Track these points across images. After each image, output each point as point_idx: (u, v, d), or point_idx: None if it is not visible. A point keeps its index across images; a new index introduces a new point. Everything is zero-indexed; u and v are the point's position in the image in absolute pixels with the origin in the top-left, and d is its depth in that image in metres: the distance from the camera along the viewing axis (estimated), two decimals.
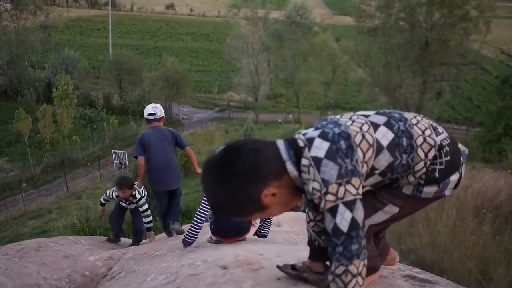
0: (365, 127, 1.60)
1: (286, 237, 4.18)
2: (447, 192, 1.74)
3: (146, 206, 5.42)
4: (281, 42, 40.95)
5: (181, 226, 5.16)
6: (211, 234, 3.72)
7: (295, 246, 3.10)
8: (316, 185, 1.49)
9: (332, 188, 1.46)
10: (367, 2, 38.68)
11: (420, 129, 1.68)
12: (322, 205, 1.50)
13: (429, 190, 1.70)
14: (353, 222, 1.46)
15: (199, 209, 3.49)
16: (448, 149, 1.72)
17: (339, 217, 1.47)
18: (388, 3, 35.74)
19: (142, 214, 5.47)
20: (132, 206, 5.66)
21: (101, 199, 5.92)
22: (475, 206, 8.04)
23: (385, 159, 1.59)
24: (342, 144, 1.50)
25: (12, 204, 23.87)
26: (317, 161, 1.48)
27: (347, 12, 53.64)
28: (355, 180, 1.47)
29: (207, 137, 32.45)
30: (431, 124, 1.76)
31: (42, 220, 21.24)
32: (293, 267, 1.96)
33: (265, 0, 46.91)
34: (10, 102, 39.30)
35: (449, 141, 1.75)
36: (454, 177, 1.72)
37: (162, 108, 5.20)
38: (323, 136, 1.54)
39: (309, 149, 1.52)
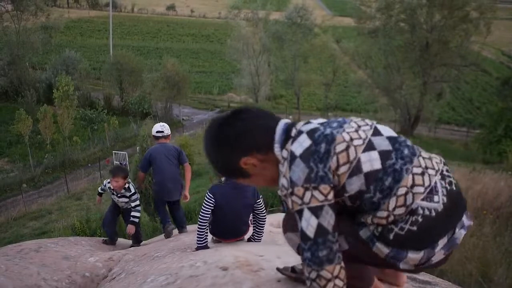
0: (357, 142, 1.44)
1: None
2: (402, 265, 1.47)
3: (138, 202, 5.43)
4: (282, 43, 40.95)
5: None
6: (211, 236, 3.87)
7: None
8: (284, 182, 1.45)
9: (298, 190, 1.40)
10: (367, 4, 38.71)
11: (413, 181, 1.41)
12: (289, 205, 1.45)
13: (381, 248, 1.47)
14: (320, 228, 1.39)
15: (201, 213, 3.61)
16: (421, 220, 1.41)
17: (305, 222, 1.40)
18: (389, 4, 35.77)
19: (133, 209, 5.41)
20: (125, 200, 5.44)
21: (99, 189, 5.88)
22: (476, 208, 8.04)
23: (357, 185, 1.41)
24: (322, 147, 1.42)
25: (12, 205, 23.86)
26: (292, 158, 1.43)
27: (348, 14, 53.58)
28: (324, 187, 1.39)
29: None
30: (436, 186, 1.44)
31: (43, 221, 21.23)
32: (292, 269, 1.96)
33: (266, 1, 46.93)
34: (10, 103, 39.31)
35: (433, 214, 1.41)
36: (413, 255, 1.44)
37: (169, 127, 5.71)
38: (311, 133, 1.48)
39: (293, 142, 1.47)
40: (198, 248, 3.54)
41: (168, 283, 2.31)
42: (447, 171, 1.51)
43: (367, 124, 1.52)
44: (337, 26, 64.12)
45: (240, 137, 1.52)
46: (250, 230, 3.94)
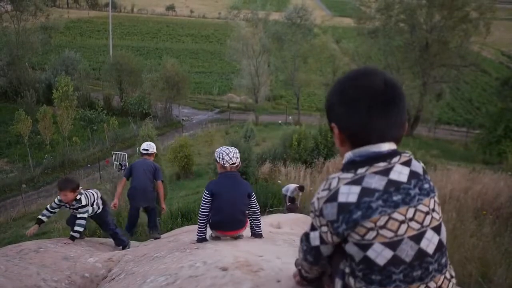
0: (345, 175, 1.45)
1: (286, 238, 4.18)
2: None
3: (84, 215, 5.00)
4: (281, 44, 40.93)
5: (159, 235, 6.32)
6: (211, 231, 4.02)
7: (295, 248, 3.10)
8: (316, 203, 1.50)
9: (322, 221, 1.50)
10: (367, 4, 38.73)
11: (386, 223, 1.38)
12: (312, 220, 1.59)
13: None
14: (317, 250, 1.61)
15: (200, 209, 3.83)
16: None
17: (313, 235, 1.60)
18: (388, 5, 35.79)
19: (77, 221, 4.96)
20: (76, 211, 5.08)
21: (44, 212, 5.11)
22: (475, 208, 8.04)
23: (332, 212, 1.43)
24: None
25: (12, 205, 23.86)
26: (335, 194, 1.43)
27: (347, 14, 53.68)
28: (334, 237, 1.49)
29: (207, 139, 32.45)
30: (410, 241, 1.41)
31: None
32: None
33: (265, 2, 46.91)
34: (10, 103, 39.31)
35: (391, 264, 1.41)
36: None
37: (155, 146, 6.70)
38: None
39: (345, 181, 1.44)
40: (198, 240, 3.81)
41: (168, 283, 2.31)
42: (436, 229, 1.47)
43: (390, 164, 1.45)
44: (337, 26, 64.13)
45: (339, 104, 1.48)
46: (248, 230, 4.12)
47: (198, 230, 3.86)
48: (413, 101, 35.93)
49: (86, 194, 5.12)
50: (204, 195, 3.82)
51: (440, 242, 1.46)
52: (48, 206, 5.12)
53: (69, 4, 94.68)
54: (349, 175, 1.42)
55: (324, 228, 1.48)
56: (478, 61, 37.35)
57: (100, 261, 3.82)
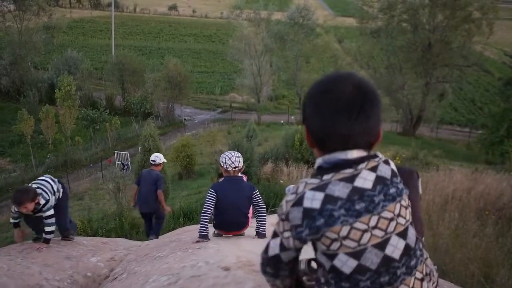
0: (312, 180, 1.44)
1: None
2: None
3: (50, 212, 4.48)
4: (284, 44, 40.93)
5: (158, 238, 6.66)
6: (214, 229, 4.25)
7: None
8: (284, 205, 1.48)
9: (285, 224, 1.48)
10: (369, 4, 38.69)
11: (348, 233, 1.37)
12: (276, 224, 1.57)
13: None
14: (275, 258, 1.57)
15: (204, 206, 4.02)
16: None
17: (273, 244, 1.56)
18: (391, 4, 35.75)
19: (45, 221, 4.43)
20: (41, 212, 4.50)
21: (11, 220, 4.69)
22: (478, 208, 8.02)
23: (297, 216, 1.41)
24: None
25: None
26: (300, 198, 1.42)
27: (350, 14, 53.58)
28: (299, 243, 1.47)
29: (209, 138, 32.46)
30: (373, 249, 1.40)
31: None
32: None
33: (268, 2, 46.90)
34: (13, 102, 39.37)
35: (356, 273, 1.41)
36: None
37: (162, 157, 7.25)
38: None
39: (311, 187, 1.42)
40: (200, 236, 3.97)
41: (170, 283, 2.31)
42: (401, 234, 1.44)
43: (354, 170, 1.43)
44: (339, 26, 64.18)
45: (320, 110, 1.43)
46: (250, 228, 4.30)
47: (201, 227, 4.02)
48: (415, 101, 35.90)
49: (42, 190, 4.50)
50: (209, 193, 4.03)
51: (406, 246, 1.44)
52: (10, 219, 4.67)
53: (72, 4, 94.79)
54: (315, 181, 1.41)
55: (287, 234, 1.45)
56: (481, 61, 37.24)
57: (102, 261, 3.83)
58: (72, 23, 69.36)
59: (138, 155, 18.85)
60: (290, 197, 1.44)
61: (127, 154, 28.81)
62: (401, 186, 1.47)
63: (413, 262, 1.46)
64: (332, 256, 1.40)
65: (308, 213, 1.37)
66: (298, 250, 1.52)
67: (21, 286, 3.03)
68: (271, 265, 1.56)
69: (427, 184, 9.40)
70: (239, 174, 4.26)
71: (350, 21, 53.73)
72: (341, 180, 1.39)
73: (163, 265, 2.91)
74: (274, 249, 1.52)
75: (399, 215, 1.43)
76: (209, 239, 4.00)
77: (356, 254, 1.37)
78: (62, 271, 3.46)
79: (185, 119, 39.90)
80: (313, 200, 1.37)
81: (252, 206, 4.20)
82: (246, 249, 2.94)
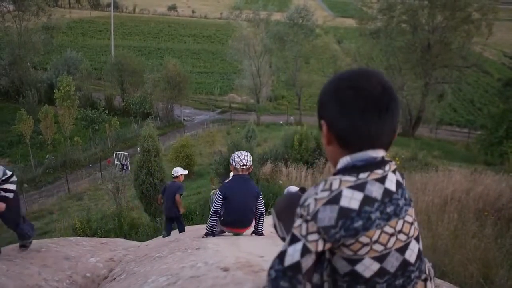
0: (347, 178, 1.35)
1: None
2: None
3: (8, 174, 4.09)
4: (283, 44, 40.92)
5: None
6: (219, 227, 4.51)
7: None
8: (312, 204, 1.35)
9: (312, 226, 1.34)
10: (369, 5, 38.70)
11: (379, 237, 1.34)
12: (295, 223, 1.40)
13: None
14: (297, 264, 1.33)
15: (213, 208, 4.27)
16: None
17: (292, 249, 1.34)
18: (390, 5, 35.77)
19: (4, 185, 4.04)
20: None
21: None
22: (477, 209, 8.02)
23: (328, 215, 1.31)
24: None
25: None
26: (337, 196, 1.32)
27: (349, 15, 53.66)
28: (325, 245, 1.36)
29: (208, 139, 32.46)
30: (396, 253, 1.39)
31: (43, 221, 21.24)
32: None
33: (267, 2, 46.92)
34: (12, 103, 39.37)
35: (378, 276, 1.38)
36: None
37: (180, 169, 8.23)
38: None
39: (348, 185, 1.34)
40: (206, 234, 4.28)
41: (169, 283, 2.31)
42: (416, 238, 1.45)
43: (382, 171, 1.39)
44: (338, 27, 64.25)
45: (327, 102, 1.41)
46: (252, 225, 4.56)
47: (209, 226, 4.30)
48: (415, 101, 35.92)
49: None
50: (217, 195, 4.28)
51: (419, 250, 1.45)
52: None
53: (71, 4, 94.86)
54: (352, 179, 1.33)
55: (313, 236, 1.32)
56: (480, 62, 37.25)
57: (101, 261, 3.83)
58: (71, 24, 69.33)
59: (137, 156, 18.82)
60: (321, 194, 1.32)
61: (126, 154, 28.82)
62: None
63: (423, 266, 1.48)
64: (355, 261, 1.36)
65: (345, 213, 1.29)
66: (317, 255, 1.36)
67: (20, 286, 3.03)
68: (288, 277, 1.31)
69: (426, 185, 9.40)
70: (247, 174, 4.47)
71: (350, 21, 53.78)
72: (376, 180, 1.34)
73: (162, 266, 2.91)
74: (293, 256, 1.32)
75: (415, 219, 1.44)
76: (219, 233, 4.40)
77: (381, 258, 1.35)
78: (61, 272, 3.46)
79: (184, 119, 39.91)
80: (352, 200, 1.30)
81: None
82: (245, 250, 2.94)
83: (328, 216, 1.29)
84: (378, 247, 1.34)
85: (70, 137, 30.83)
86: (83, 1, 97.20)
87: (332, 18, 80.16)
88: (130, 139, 33.37)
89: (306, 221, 1.33)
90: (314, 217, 1.31)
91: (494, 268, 5.54)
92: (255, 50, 39.60)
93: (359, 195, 1.31)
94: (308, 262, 1.33)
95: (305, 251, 1.32)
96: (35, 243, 4.43)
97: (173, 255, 3.33)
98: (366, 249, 1.33)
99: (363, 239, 1.31)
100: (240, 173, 4.36)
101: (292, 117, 39.25)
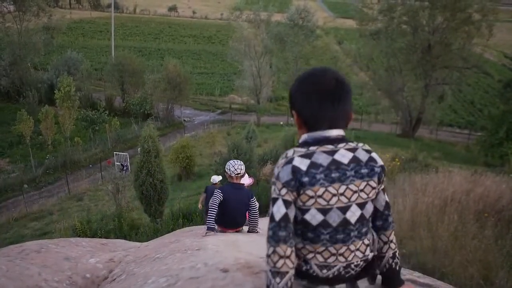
0: (300, 149, 1.77)
1: None
2: None
3: None
4: (284, 45, 40.97)
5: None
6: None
7: None
8: (275, 170, 1.77)
9: (279, 184, 1.74)
10: (369, 6, 38.71)
11: (323, 194, 1.70)
12: (272, 189, 1.78)
13: None
14: (285, 216, 1.70)
15: (210, 204, 4.61)
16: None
17: (276, 208, 1.72)
18: (391, 6, 35.78)
19: None
20: None
21: None
22: (477, 210, 8.01)
23: (287, 172, 1.72)
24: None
25: (13, 205, 23.90)
26: (289, 160, 1.73)
27: (350, 15, 53.63)
28: (295, 194, 1.72)
29: (208, 140, 32.48)
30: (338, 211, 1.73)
31: (43, 221, 21.26)
32: None
33: (268, 3, 46.95)
34: (12, 103, 39.42)
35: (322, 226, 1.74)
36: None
37: (216, 178, 9.15)
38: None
39: (298, 154, 1.74)
40: (208, 228, 4.54)
41: (169, 284, 2.31)
42: (361, 205, 1.76)
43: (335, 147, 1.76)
44: (339, 28, 64.29)
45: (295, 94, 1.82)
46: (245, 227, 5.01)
47: (209, 221, 4.61)
48: (415, 103, 35.92)
49: None
50: (217, 193, 4.67)
51: (361, 215, 1.75)
52: None
53: (72, 5, 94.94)
54: (302, 150, 1.73)
55: (283, 190, 1.70)
56: (481, 63, 37.28)
57: (101, 262, 3.83)
58: (71, 24, 69.44)
59: (138, 156, 18.84)
60: (280, 161, 1.74)
61: (127, 155, 28.84)
62: (377, 170, 1.77)
63: (364, 230, 1.78)
64: (305, 211, 1.71)
65: (297, 170, 1.69)
66: (294, 205, 1.72)
67: (20, 287, 3.03)
68: (283, 227, 1.68)
69: (426, 186, 9.39)
70: (246, 177, 4.89)
71: (350, 22, 53.81)
72: (323, 152, 1.72)
73: (162, 267, 2.91)
74: (280, 211, 1.69)
75: (362, 190, 1.74)
76: (216, 231, 4.63)
77: (324, 211, 1.70)
78: (61, 272, 3.46)
79: (184, 120, 39.93)
80: (301, 164, 1.69)
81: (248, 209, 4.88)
82: (245, 251, 2.94)
83: (286, 173, 1.69)
84: (321, 201, 1.70)
85: (70, 138, 30.85)
86: (83, 1, 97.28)
87: (333, 19, 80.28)
88: (130, 140, 33.39)
89: (275, 183, 1.73)
90: (278, 177, 1.71)
91: (494, 270, 5.54)
92: (256, 51, 39.61)
93: (307, 161, 1.70)
94: (292, 212, 1.71)
95: (286, 203, 1.70)
96: (35, 243, 4.43)
97: (173, 256, 3.33)
98: (312, 201, 1.69)
99: (309, 192, 1.68)
100: (235, 181, 4.81)
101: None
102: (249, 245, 3.52)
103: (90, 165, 29.74)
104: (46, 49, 45.13)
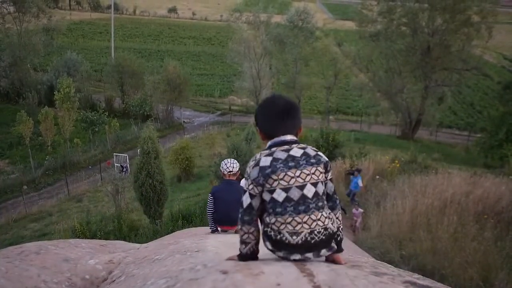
0: (265, 152, 2.33)
1: None
2: None
3: None
4: (283, 47, 40.96)
5: None
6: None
7: None
8: (248, 170, 2.30)
9: (248, 181, 2.29)
10: (369, 7, 38.74)
11: (284, 177, 2.22)
12: (245, 184, 2.34)
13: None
14: (250, 205, 2.27)
15: (207, 208, 5.06)
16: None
17: (245, 197, 2.29)
18: (390, 8, 35.80)
19: None
20: None
21: None
22: (477, 212, 8.01)
23: (255, 172, 2.29)
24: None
25: (13, 206, 23.88)
26: (257, 162, 2.27)
27: (349, 17, 53.75)
28: (259, 188, 2.27)
29: (208, 141, 32.48)
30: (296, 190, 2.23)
31: (43, 223, 21.25)
32: None
33: (267, 5, 46.97)
34: (12, 104, 39.42)
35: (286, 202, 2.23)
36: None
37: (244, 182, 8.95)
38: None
39: (264, 155, 2.29)
40: (212, 231, 4.94)
41: (168, 286, 2.31)
42: (314, 184, 2.26)
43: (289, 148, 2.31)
44: (338, 29, 64.24)
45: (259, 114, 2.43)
46: None
47: (210, 225, 5.03)
48: (414, 104, 35.94)
49: None
50: (209, 197, 5.08)
51: (315, 192, 2.24)
52: None
53: (71, 6, 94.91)
54: (267, 151, 2.29)
55: (251, 186, 2.25)
56: (480, 65, 37.28)
57: (100, 263, 3.82)
58: (71, 25, 69.46)
59: (137, 158, 18.83)
60: (251, 163, 2.29)
61: (126, 156, 28.83)
62: (322, 160, 2.29)
63: (320, 203, 2.26)
64: (272, 191, 2.21)
65: (262, 169, 2.23)
66: (259, 197, 2.26)
67: None
68: (247, 213, 2.28)
69: (426, 187, 9.40)
70: (243, 182, 4.76)
71: (350, 24, 53.86)
72: (282, 150, 2.27)
73: (161, 268, 2.91)
74: (246, 200, 2.28)
75: (313, 173, 2.26)
76: (219, 232, 4.93)
77: (286, 190, 2.21)
78: (60, 274, 3.45)
79: (184, 121, 39.93)
80: (265, 162, 2.24)
81: None
82: None
83: (255, 173, 2.24)
84: (283, 183, 2.20)
85: (70, 139, 30.84)
86: (83, 3, 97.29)
87: (332, 21, 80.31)
88: (130, 141, 33.39)
89: (246, 179, 2.28)
90: (249, 175, 2.27)
91: (493, 271, 5.54)
92: (255, 52, 39.64)
93: (270, 158, 2.25)
94: (256, 202, 2.27)
95: (251, 196, 2.27)
96: (35, 245, 4.43)
97: (172, 257, 3.33)
98: (276, 183, 2.21)
99: (274, 177, 2.21)
100: (227, 178, 5.20)
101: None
102: None
103: (90, 166, 29.73)
104: (46, 50, 45.15)
